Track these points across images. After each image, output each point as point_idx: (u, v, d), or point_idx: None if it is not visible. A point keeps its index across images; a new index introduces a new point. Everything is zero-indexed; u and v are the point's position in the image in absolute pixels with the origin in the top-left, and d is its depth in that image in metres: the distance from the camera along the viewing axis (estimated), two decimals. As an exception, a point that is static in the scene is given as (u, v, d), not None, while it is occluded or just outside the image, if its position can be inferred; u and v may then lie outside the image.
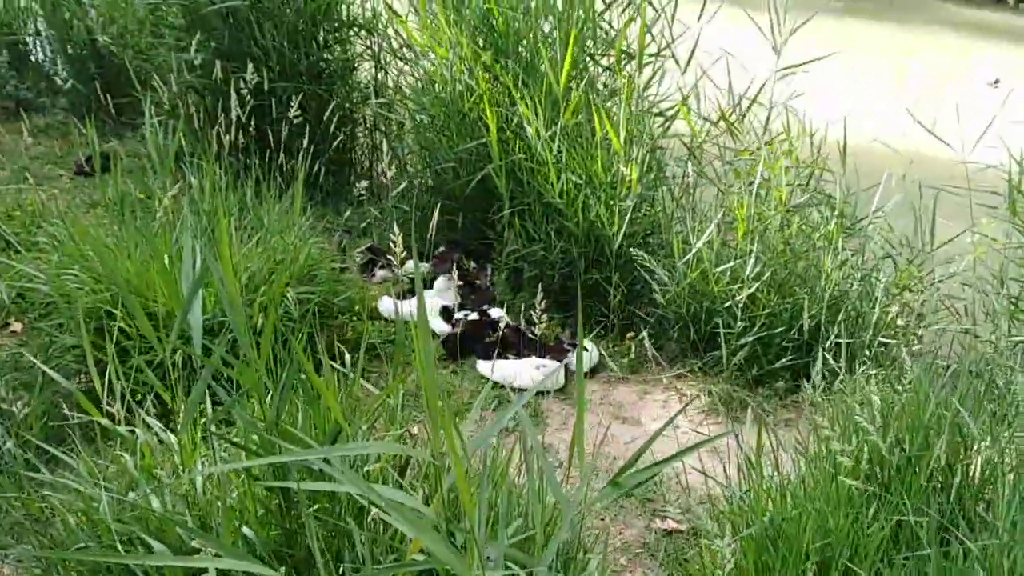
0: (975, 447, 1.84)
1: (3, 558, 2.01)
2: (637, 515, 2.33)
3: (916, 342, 2.73)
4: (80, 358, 2.40)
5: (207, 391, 1.94)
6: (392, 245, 2.07)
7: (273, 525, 1.65)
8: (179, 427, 1.65)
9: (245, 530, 1.58)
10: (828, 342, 2.70)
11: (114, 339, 2.19)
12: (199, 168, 3.09)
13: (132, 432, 1.75)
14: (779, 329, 2.81)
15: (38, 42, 4.58)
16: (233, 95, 3.06)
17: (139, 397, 1.97)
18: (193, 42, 3.34)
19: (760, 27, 2.83)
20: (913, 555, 1.64)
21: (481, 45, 3.26)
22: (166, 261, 2.50)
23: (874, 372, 2.51)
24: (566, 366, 2.93)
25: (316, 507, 1.63)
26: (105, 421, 1.68)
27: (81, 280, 2.62)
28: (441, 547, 1.00)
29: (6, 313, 2.90)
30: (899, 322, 2.78)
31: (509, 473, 1.78)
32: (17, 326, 2.89)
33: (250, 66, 3.25)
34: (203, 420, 1.84)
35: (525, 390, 2.82)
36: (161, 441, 1.78)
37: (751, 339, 2.79)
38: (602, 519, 2.31)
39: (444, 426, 0.95)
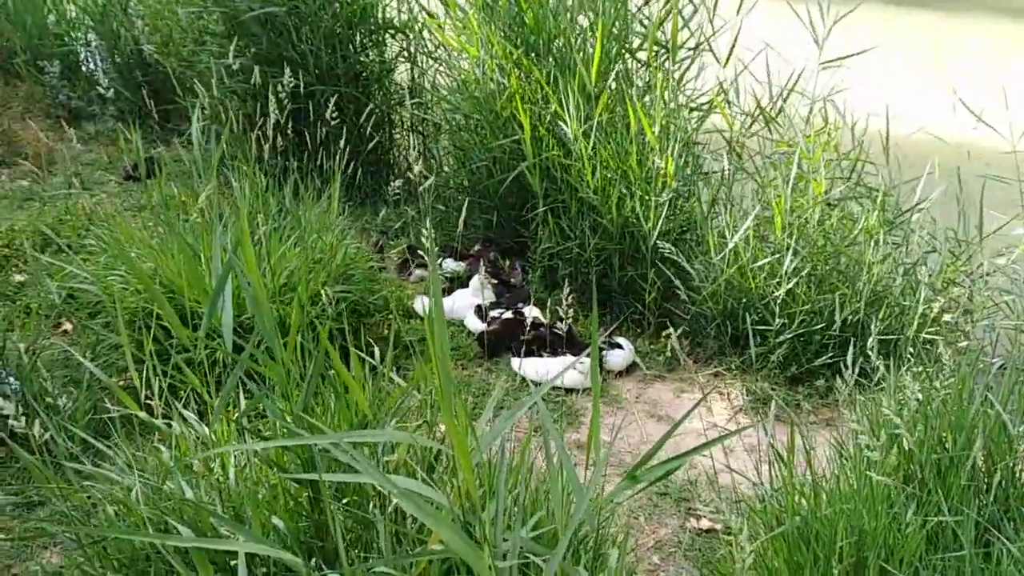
0: (1022, 446, 1.77)
1: (51, 545, 2.09)
2: (672, 514, 2.31)
3: (963, 338, 2.64)
4: (126, 355, 2.47)
5: (243, 387, 2.00)
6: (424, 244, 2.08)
7: (303, 517, 1.67)
8: (211, 420, 1.68)
9: (275, 520, 1.61)
10: (870, 339, 2.63)
11: (158, 337, 2.25)
12: (240, 171, 3.16)
13: (169, 425, 1.80)
14: (818, 326, 2.75)
15: (88, 52, 4.72)
16: (272, 99, 3.12)
17: (182, 394, 2.03)
18: (231, 48, 3.40)
19: (802, 18, 2.77)
20: (949, 556, 1.58)
21: (513, 43, 3.26)
22: (204, 262, 2.56)
23: (917, 369, 2.44)
24: (601, 363, 2.92)
25: (345, 500, 1.66)
26: (143, 414, 1.73)
27: (126, 281, 2.70)
28: (455, 538, 1.01)
29: (57, 314, 3.01)
30: (945, 317, 2.69)
31: (539, 467, 1.78)
32: (68, 326, 2.99)
33: (288, 70, 3.30)
34: (235, 414, 1.88)
35: (559, 388, 2.82)
36: (196, 435, 1.82)
37: (790, 336, 2.74)
38: (637, 518, 2.29)
39: (447, 418, 0.95)
